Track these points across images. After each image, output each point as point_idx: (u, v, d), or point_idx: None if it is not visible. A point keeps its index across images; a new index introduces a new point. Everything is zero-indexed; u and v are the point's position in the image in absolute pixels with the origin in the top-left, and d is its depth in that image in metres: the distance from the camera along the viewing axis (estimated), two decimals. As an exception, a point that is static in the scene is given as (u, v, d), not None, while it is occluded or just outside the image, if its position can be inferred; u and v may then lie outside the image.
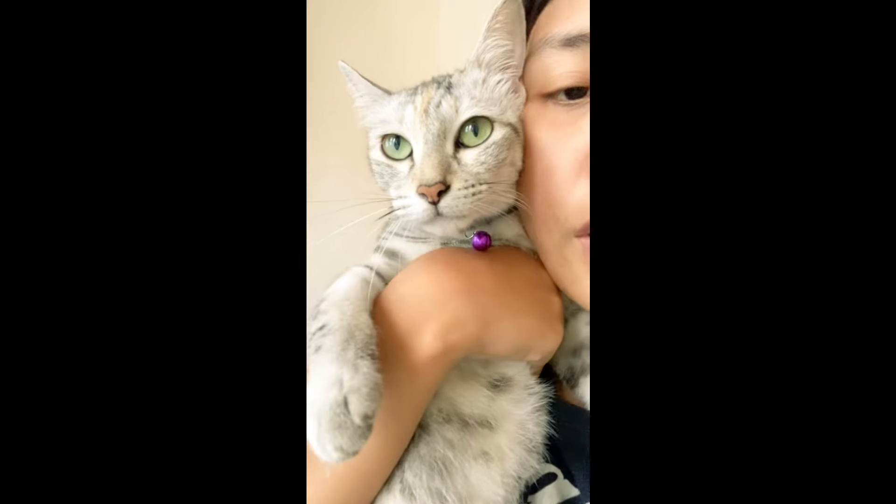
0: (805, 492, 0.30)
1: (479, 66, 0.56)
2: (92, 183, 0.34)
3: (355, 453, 0.40)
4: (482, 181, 0.52)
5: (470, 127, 0.53)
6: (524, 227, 0.61)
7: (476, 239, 0.57)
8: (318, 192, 0.52)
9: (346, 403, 0.40)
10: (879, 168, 0.31)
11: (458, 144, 0.53)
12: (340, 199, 0.55)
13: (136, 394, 0.34)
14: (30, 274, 0.33)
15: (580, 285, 0.55)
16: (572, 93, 0.54)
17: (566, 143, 0.53)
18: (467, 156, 0.52)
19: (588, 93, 0.53)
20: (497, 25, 0.55)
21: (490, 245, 0.58)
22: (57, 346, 0.33)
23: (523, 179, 0.57)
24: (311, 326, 0.48)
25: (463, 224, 0.54)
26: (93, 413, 0.33)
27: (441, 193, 0.50)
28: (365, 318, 0.48)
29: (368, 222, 0.56)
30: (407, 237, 0.59)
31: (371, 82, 0.60)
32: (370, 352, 0.45)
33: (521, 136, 0.56)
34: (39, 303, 0.33)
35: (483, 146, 0.52)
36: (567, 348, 0.61)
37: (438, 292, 0.51)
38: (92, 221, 0.34)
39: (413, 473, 0.51)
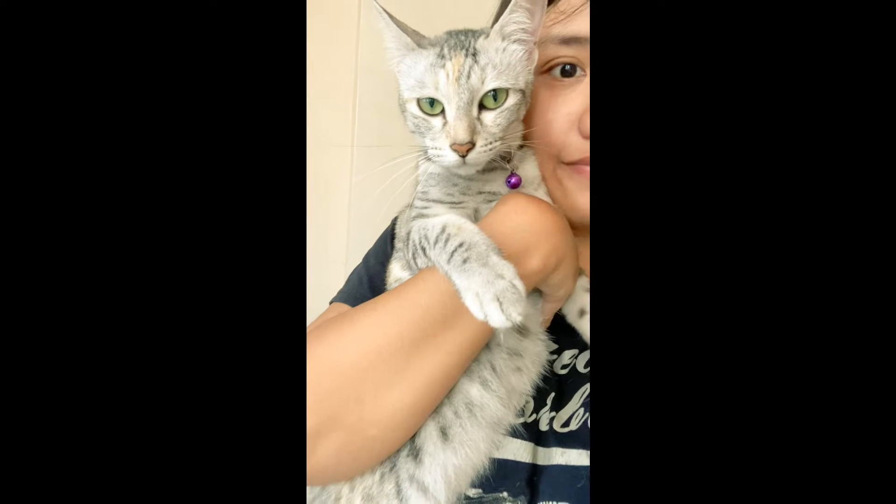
0: (800, 455, 0.34)
1: (502, 37, 0.69)
2: (92, 164, 0.36)
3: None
4: (497, 138, 0.68)
5: (491, 93, 0.67)
6: None
7: (511, 180, 0.74)
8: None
9: (514, 287, 0.58)
10: (872, 165, 0.34)
11: (480, 106, 0.68)
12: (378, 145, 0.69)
13: (134, 378, 0.38)
14: (28, 266, 0.35)
15: (571, 198, 0.77)
16: (565, 69, 0.74)
17: (560, 108, 0.74)
18: (487, 117, 0.68)
19: (577, 69, 0.74)
20: (523, 3, 0.67)
21: (520, 182, 0.75)
22: (69, 333, 0.36)
23: (528, 126, 0.75)
24: (447, 247, 0.63)
25: (480, 167, 0.71)
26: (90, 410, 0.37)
27: (468, 150, 0.66)
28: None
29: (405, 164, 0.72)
30: (447, 203, 0.75)
31: (400, 28, 0.71)
32: (502, 256, 0.62)
33: (528, 97, 0.71)
34: (38, 284, 0.35)
35: (499, 110, 0.68)
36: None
37: (549, 225, 0.69)
38: (91, 204, 0.36)
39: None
